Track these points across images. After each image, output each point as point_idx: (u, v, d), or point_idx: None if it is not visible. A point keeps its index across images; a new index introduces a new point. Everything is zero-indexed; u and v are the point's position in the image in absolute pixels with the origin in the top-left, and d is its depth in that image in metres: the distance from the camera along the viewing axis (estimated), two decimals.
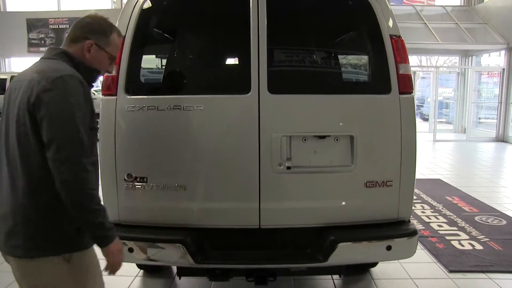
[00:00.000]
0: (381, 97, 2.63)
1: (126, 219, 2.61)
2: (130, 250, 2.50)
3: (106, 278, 1.90)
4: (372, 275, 3.57)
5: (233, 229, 2.62)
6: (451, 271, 3.67)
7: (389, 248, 2.56)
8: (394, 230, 2.63)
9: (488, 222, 4.98)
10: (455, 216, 5.23)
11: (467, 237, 4.49)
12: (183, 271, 2.87)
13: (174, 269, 3.63)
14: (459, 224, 4.90)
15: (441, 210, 5.49)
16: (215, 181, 2.59)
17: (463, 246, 4.23)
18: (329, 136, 2.59)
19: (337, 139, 2.61)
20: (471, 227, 4.78)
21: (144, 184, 2.57)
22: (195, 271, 2.79)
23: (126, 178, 2.58)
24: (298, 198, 2.61)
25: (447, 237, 4.47)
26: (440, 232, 4.64)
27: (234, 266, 2.57)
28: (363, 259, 2.67)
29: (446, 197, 6.09)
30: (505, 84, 12.78)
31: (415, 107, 2.69)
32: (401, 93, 2.60)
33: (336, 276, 3.51)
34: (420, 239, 4.32)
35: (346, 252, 2.55)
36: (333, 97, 2.63)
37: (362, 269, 3.61)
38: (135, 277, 3.52)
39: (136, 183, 2.58)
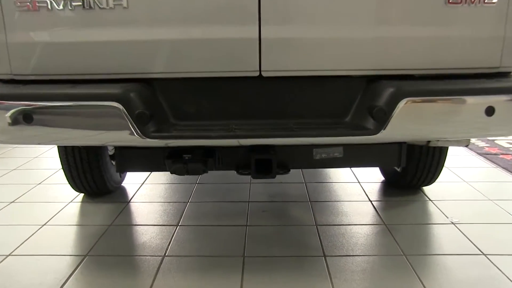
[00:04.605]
0: None
1: (22, 70, 1.48)
2: (27, 118, 1.39)
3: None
4: (429, 196, 2.45)
5: (212, 79, 1.48)
6: None
7: (490, 111, 1.43)
8: (497, 82, 1.49)
9: None
10: None
11: None
12: (124, 161, 1.74)
13: (130, 190, 2.52)
14: None
15: None
16: None
17: None
18: None
19: None
20: None
21: None
22: (145, 160, 1.67)
23: None
24: (331, 21, 1.42)
25: None
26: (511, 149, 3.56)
27: (215, 142, 1.42)
28: (442, 131, 1.50)
29: None
30: None
31: None
32: None
33: (375, 196, 2.39)
34: (489, 157, 3.25)
35: (414, 116, 1.41)
36: None
37: (409, 187, 2.48)
38: (68, 204, 2.33)
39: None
